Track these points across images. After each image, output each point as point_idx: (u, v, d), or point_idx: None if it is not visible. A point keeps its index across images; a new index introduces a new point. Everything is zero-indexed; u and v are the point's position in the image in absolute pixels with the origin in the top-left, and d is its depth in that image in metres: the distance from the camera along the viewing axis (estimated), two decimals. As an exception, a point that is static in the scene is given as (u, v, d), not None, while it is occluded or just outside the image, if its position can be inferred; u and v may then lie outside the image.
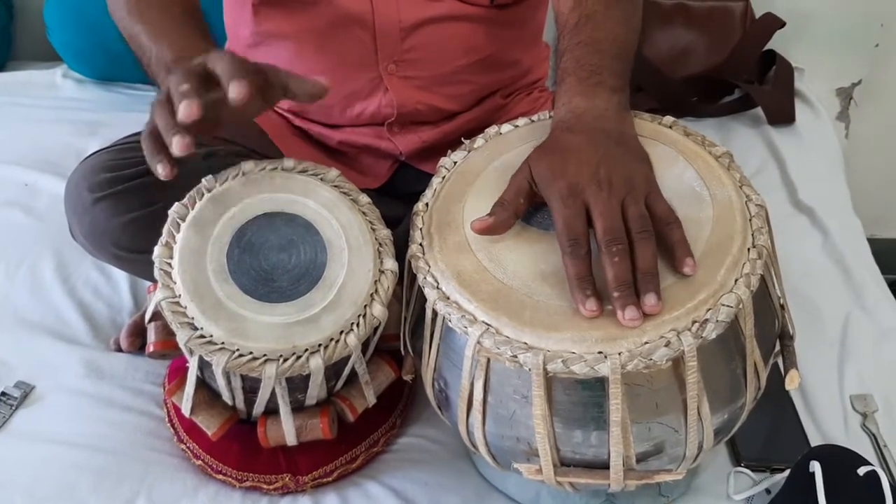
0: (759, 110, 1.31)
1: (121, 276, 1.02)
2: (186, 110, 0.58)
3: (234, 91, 0.58)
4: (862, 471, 0.73)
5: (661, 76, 1.31)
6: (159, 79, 0.70)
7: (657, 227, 0.60)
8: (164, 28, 0.73)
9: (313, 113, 0.95)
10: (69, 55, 1.39)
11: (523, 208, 0.64)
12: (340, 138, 0.95)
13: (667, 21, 1.33)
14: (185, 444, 0.82)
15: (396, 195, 0.94)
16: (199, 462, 0.81)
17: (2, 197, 1.14)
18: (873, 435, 0.84)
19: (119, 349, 0.94)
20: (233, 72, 0.60)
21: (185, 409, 0.74)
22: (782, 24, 1.31)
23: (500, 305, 0.61)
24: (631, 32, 0.74)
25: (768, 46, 1.34)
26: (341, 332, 0.66)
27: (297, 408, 0.74)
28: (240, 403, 0.74)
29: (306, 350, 0.65)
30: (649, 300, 0.57)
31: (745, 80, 1.33)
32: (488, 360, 0.62)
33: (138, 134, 0.89)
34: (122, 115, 1.28)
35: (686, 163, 0.68)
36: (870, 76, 1.42)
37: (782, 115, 1.29)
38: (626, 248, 0.58)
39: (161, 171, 0.62)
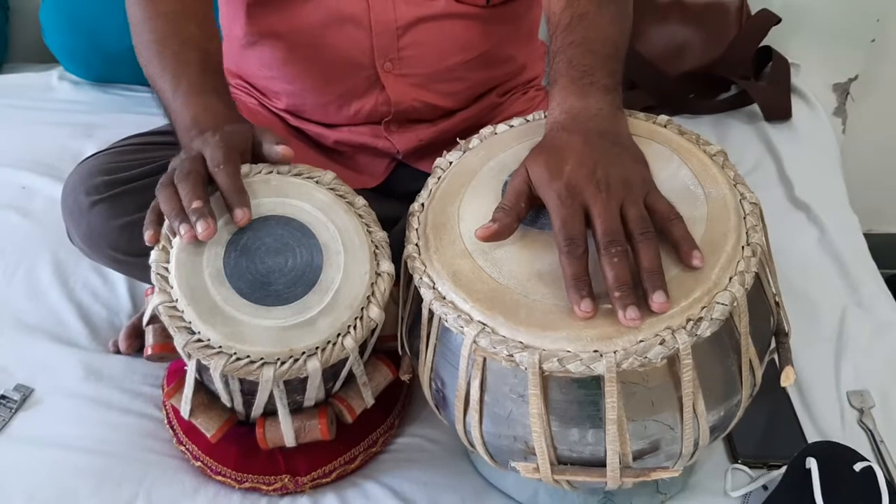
0: (755, 106, 1.31)
1: (118, 279, 1.02)
2: (203, 232, 0.64)
3: (238, 217, 0.66)
4: (858, 467, 0.73)
5: (656, 73, 1.31)
6: (180, 138, 0.72)
7: (659, 224, 0.60)
8: (178, 87, 0.74)
9: (310, 112, 0.95)
10: (65, 57, 1.39)
11: (524, 211, 0.64)
12: (337, 137, 0.95)
13: (662, 17, 1.33)
14: (185, 445, 0.82)
15: (393, 195, 0.94)
16: (199, 463, 0.81)
17: (-1, 199, 1.14)
18: (870, 431, 0.85)
19: (118, 351, 0.95)
20: (233, 194, 0.66)
21: (184, 412, 0.74)
22: (778, 20, 1.31)
23: (495, 305, 0.61)
24: (623, 32, 0.74)
25: (764, 42, 1.34)
26: (338, 335, 0.67)
27: (296, 409, 0.74)
28: (238, 405, 0.74)
29: (303, 353, 0.66)
30: (658, 298, 0.57)
31: (742, 76, 1.33)
32: (484, 359, 0.62)
33: (135, 136, 0.92)
34: (118, 116, 1.29)
35: (681, 161, 0.68)
36: (866, 71, 1.42)
37: (779, 111, 1.29)
38: (626, 250, 0.58)
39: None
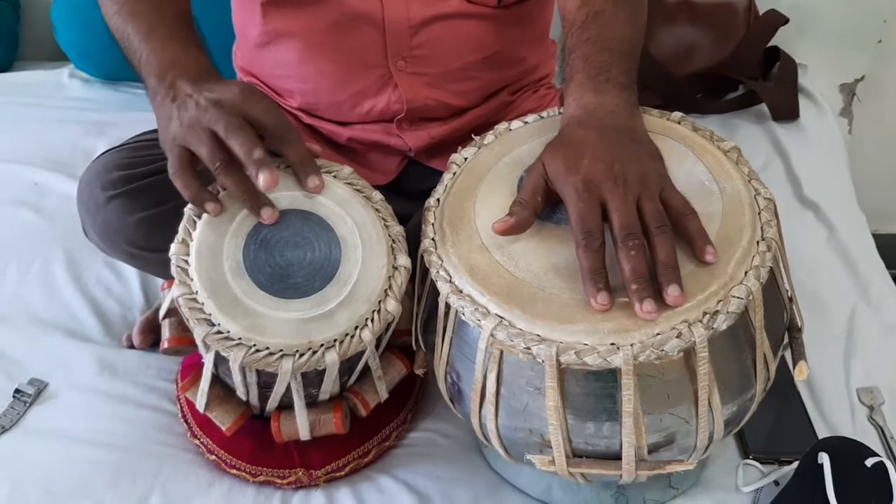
0: (763, 106, 1.32)
1: (131, 274, 1.03)
2: (267, 180, 0.65)
3: (263, 181, 0.65)
4: (869, 462, 0.74)
5: (665, 73, 1.31)
6: (149, 81, 0.71)
7: (674, 219, 0.61)
8: (155, 30, 0.74)
9: (323, 111, 0.96)
10: (76, 55, 1.40)
11: (541, 206, 0.64)
12: (350, 135, 0.96)
13: (671, 18, 1.34)
14: (199, 439, 0.83)
15: (405, 192, 0.95)
16: (213, 457, 0.81)
17: (12, 196, 1.15)
18: (880, 427, 0.85)
19: (131, 346, 0.95)
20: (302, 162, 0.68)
21: (200, 405, 0.74)
22: (786, 21, 1.32)
23: (512, 298, 0.62)
24: (638, 30, 0.75)
25: (772, 43, 1.35)
26: (356, 328, 0.67)
27: (311, 403, 0.74)
28: (254, 399, 0.75)
29: (322, 345, 0.66)
30: (673, 291, 0.58)
31: (749, 76, 1.34)
32: (501, 352, 0.62)
33: (149, 133, 0.92)
34: (129, 114, 1.29)
35: (695, 157, 0.68)
36: (873, 72, 1.43)
37: (786, 111, 1.30)
38: (643, 243, 0.59)
39: (212, 209, 0.67)
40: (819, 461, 0.74)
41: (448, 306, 0.65)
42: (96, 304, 1.00)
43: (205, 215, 0.68)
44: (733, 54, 1.33)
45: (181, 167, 0.67)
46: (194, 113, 0.66)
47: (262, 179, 0.64)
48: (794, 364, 0.69)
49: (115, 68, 1.37)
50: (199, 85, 0.68)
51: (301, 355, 0.66)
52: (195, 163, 0.67)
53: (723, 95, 1.35)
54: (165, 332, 0.74)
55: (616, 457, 0.63)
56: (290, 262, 0.68)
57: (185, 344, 0.73)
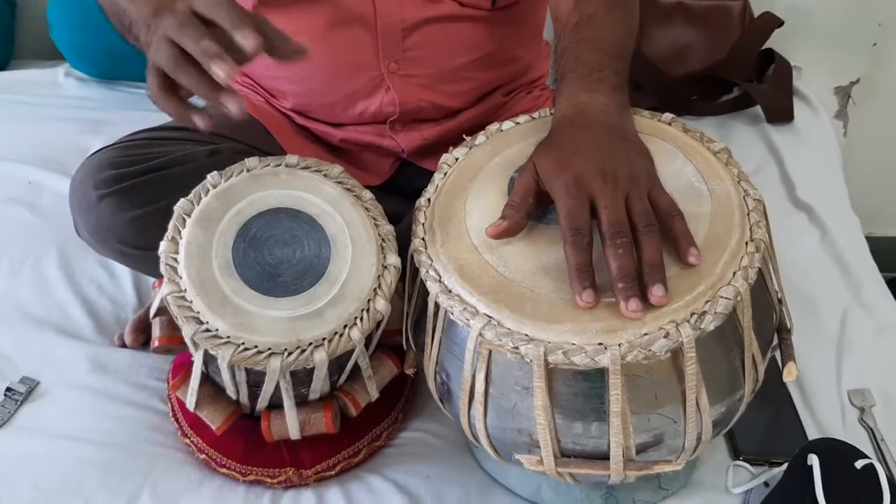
0: (757, 109, 1.32)
1: (124, 273, 1.03)
2: (226, 71, 0.58)
3: (247, 44, 0.59)
4: (859, 464, 0.74)
5: (660, 75, 1.31)
6: (140, 37, 0.68)
7: (661, 220, 0.61)
8: None
9: (316, 112, 0.96)
10: (71, 54, 1.40)
11: (533, 208, 0.64)
12: (343, 136, 0.96)
13: (666, 20, 1.34)
14: (190, 438, 0.83)
15: (398, 192, 0.95)
16: (204, 456, 0.81)
17: (6, 194, 1.15)
18: (871, 429, 0.85)
19: (123, 345, 0.95)
20: (235, 22, 0.60)
21: (190, 404, 0.74)
22: (781, 23, 1.32)
23: (501, 298, 0.62)
24: (630, 34, 0.75)
25: (767, 45, 1.35)
26: (345, 327, 0.67)
27: (301, 402, 0.74)
28: (244, 398, 0.75)
29: (310, 344, 0.66)
30: (657, 291, 0.58)
31: (744, 78, 1.34)
32: (490, 352, 0.62)
33: (143, 131, 0.92)
34: (124, 113, 1.29)
35: (685, 158, 0.69)
36: (868, 75, 1.43)
37: (781, 114, 1.30)
38: (631, 241, 0.59)
39: (201, 123, 0.62)
40: (809, 463, 0.74)
41: (437, 306, 0.66)
42: (89, 302, 1.00)
43: (193, 214, 0.68)
44: (728, 56, 1.33)
45: (157, 88, 0.62)
46: (157, 31, 0.63)
47: (217, 72, 0.59)
48: (783, 365, 0.69)
49: (110, 67, 1.38)
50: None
51: (289, 354, 0.66)
52: (176, 86, 0.63)
53: (717, 97, 1.36)
54: (155, 331, 0.75)
55: (604, 457, 0.63)
56: (279, 260, 0.68)
57: (175, 342, 0.73)
